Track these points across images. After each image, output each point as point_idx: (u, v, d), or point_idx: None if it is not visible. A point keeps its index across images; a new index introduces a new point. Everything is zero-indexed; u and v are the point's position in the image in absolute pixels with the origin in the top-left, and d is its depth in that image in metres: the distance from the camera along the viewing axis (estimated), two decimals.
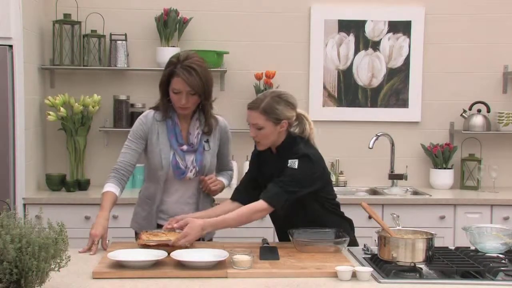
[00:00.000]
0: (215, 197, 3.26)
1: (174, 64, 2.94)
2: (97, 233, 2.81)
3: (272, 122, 2.87)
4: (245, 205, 2.87)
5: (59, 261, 2.14)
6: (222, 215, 2.87)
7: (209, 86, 2.97)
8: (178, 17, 4.60)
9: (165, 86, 2.99)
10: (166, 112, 3.03)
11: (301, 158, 2.86)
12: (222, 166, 3.25)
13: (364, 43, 4.87)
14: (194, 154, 3.04)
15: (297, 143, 2.93)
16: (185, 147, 3.02)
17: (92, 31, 4.58)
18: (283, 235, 3.01)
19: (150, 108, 3.11)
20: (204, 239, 3.03)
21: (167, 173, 3.02)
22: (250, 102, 2.93)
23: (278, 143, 2.95)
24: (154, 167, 3.04)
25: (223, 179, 3.21)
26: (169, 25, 4.58)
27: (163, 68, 3.03)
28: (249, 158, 3.18)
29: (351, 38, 4.85)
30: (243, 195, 3.06)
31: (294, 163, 2.85)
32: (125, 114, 4.59)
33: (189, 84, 2.89)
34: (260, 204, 2.82)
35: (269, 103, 2.87)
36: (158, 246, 2.65)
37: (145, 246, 2.66)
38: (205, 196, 3.16)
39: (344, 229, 2.95)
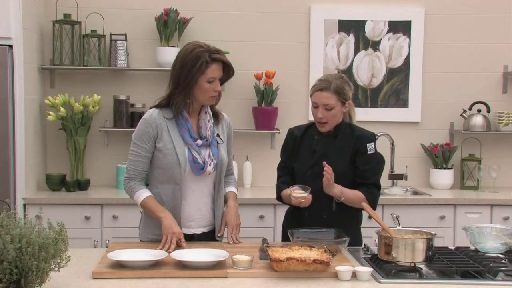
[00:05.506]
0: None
1: (204, 53, 2.83)
2: (180, 231, 2.81)
3: (341, 102, 3.02)
4: (359, 191, 3.01)
5: (59, 261, 2.15)
6: None
7: None
8: (178, 17, 4.60)
9: (194, 79, 2.84)
10: (180, 108, 2.90)
11: (373, 139, 3.08)
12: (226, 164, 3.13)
13: (364, 43, 4.86)
14: (209, 148, 2.94)
15: (351, 125, 3.10)
16: (200, 142, 2.91)
17: (92, 31, 4.58)
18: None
19: (152, 107, 2.97)
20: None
21: (184, 170, 2.89)
22: (317, 84, 3.03)
23: (337, 124, 3.09)
24: (169, 167, 2.89)
25: (234, 190, 3.15)
26: (169, 25, 4.58)
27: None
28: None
29: (351, 38, 4.85)
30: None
31: (371, 147, 3.05)
32: (125, 114, 4.59)
33: (229, 64, 2.89)
34: (365, 204, 2.91)
35: (339, 84, 3.01)
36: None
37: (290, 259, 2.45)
38: (220, 196, 3.05)
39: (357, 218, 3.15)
